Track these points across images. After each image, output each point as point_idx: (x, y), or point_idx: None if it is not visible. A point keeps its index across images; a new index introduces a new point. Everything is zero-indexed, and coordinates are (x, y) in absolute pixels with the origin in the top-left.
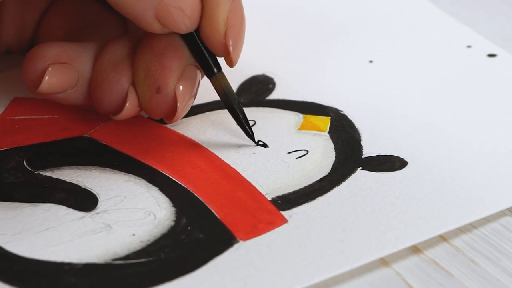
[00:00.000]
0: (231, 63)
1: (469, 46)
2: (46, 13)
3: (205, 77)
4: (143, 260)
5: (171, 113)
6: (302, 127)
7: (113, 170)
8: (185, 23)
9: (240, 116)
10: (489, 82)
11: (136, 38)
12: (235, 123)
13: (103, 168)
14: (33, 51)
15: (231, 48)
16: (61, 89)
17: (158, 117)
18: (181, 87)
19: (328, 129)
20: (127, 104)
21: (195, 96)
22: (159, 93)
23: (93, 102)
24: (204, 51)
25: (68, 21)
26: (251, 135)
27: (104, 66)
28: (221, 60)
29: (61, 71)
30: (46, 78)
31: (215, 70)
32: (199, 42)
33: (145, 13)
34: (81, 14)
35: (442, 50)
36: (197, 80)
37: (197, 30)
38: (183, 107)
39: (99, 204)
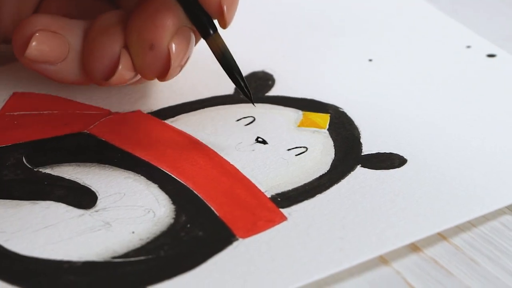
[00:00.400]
0: (224, 25)
1: (468, 47)
2: (41, 4)
3: (204, 69)
4: (142, 258)
5: (164, 71)
6: (301, 124)
7: (113, 167)
8: None
9: (237, 75)
10: (488, 82)
11: (127, 11)
12: (234, 119)
13: (103, 165)
14: (23, 19)
15: (225, 7)
16: (51, 59)
17: (151, 77)
18: (174, 45)
19: (327, 126)
20: (120, 67)
21: (188, 57)
22: (152, 50)
23: (86, 71)
24: (199, 11)
25: (63, 12)
26: (248, 95)
27: (94, 33)
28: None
29: (51, 39)
30: (34, 43)
31: (211, 31)
32: (195, 2)
33: None
34: (77, 5)
35: (441, 50)
36: (191, 41)
37: None
38: (176, 65)
39: (98, 201)
